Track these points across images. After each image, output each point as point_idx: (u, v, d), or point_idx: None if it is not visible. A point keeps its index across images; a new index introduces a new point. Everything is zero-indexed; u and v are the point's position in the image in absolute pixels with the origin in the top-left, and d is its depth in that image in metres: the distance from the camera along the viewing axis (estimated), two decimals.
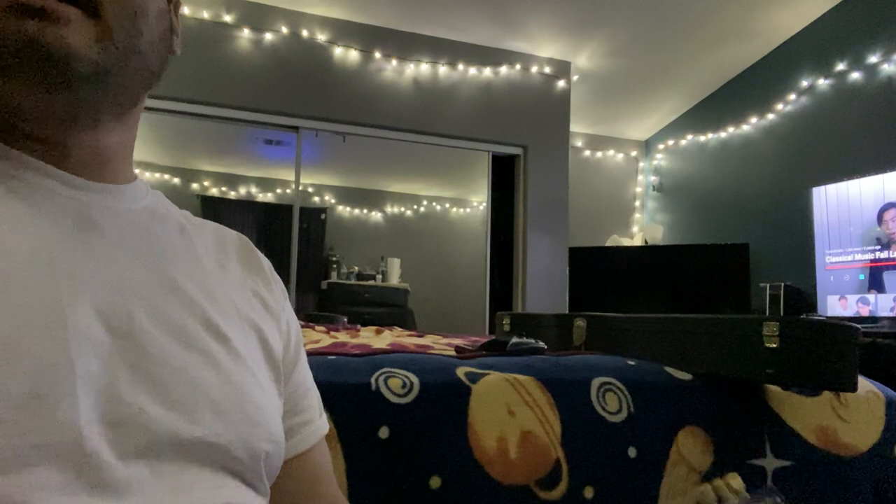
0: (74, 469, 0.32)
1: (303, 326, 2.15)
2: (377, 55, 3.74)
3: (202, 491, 0.38)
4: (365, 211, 4.53)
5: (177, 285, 0.43)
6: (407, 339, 1.67)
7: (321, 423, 0.56)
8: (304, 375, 0.56)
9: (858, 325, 0.93)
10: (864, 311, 3.13)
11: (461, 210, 4.65)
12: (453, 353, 1.12)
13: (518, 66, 4.02)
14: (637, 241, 4.72)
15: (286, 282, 3.55)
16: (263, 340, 0.49)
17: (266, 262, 0.56)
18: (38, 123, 0.40)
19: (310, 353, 0.94)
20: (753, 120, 4.05)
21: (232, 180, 4.18)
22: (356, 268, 4.38)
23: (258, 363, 0.47)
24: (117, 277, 0.39)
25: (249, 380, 0.44)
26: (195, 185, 4.03)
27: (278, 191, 4.21)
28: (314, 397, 0.57)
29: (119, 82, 0.41)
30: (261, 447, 0.43)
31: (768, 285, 3.66)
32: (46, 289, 0.35)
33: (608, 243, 4.64)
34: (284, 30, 3.55)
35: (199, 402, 0.39)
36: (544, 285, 4.00)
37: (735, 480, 0.51)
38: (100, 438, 0.34)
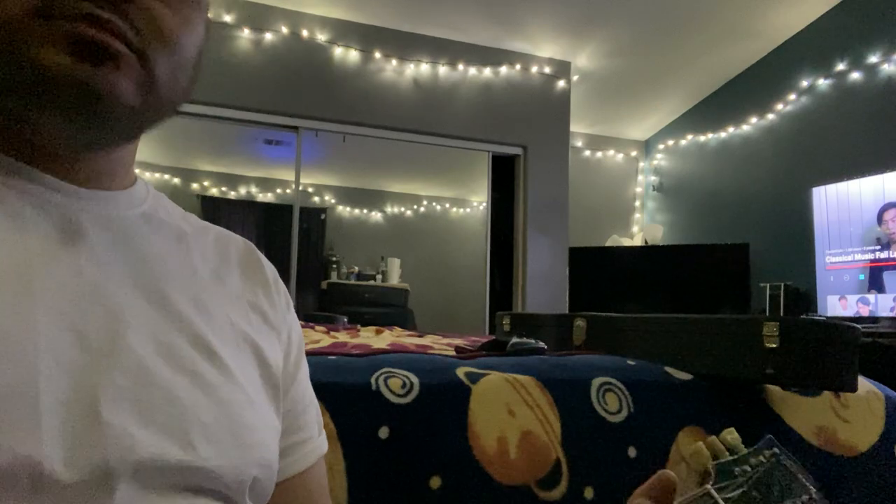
0: (30, 496, 0.31)
1: (303, 326, 2.15)
2: (377, 55, 3.74)
3: None
4: (365, 211, 4.53)
5: (167, 300, 0.41)
6: (407, 339, 1.67)
7: (320, 442, 0.53)
8: (304, 390, 0.53)
9: (858, 325, 0.93)
10: (864, 311, 3.13)
11: (461, 210, 4.65)
12: (453, 353, 1.12)
13: (518, 66, 4.02)
14: (637, 241, 4.72)
15: (286, 282, 3.54)
16: (260, 357, 0.46)
17: (271, 272, 0.54)
18: (56, 145, 0.39)
19: (310, 353, 0.94)
20: (753, 120, 4.05)
21: (232, 180, 4.17)
22: (356, 268, 4.38)
23: (253, 382, 0.45)
24: (102, 292, 0.38)
25: (242, 400, 0.42)
26: (195, 185, 4.03)
27: (278, 191, 4.21)
28: (313, 413, 0.54)
29: (147, 124, 0.42)
30: (249, 472, 0.41)
31: (768, 285, 3.66)
32: (20, 306, 0.34)
33: (608, 243, 4.64)
34: (284, 30, 3.55)
35: (188, 424, 0.37)
36: (544, 285, 4.00)
37: (731, 435, 0.50)
38: (63, 464, 0.32)
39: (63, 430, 0.32)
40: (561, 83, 4.10)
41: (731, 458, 0.48)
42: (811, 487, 0.48)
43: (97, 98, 0.36)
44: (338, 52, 3.66)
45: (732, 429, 0.49)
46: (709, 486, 0.45)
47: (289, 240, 3.62)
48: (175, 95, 0.42)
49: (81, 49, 0.35)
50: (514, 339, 1.12)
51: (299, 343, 0.54)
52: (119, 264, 0.40)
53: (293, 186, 3.71)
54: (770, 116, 3.94)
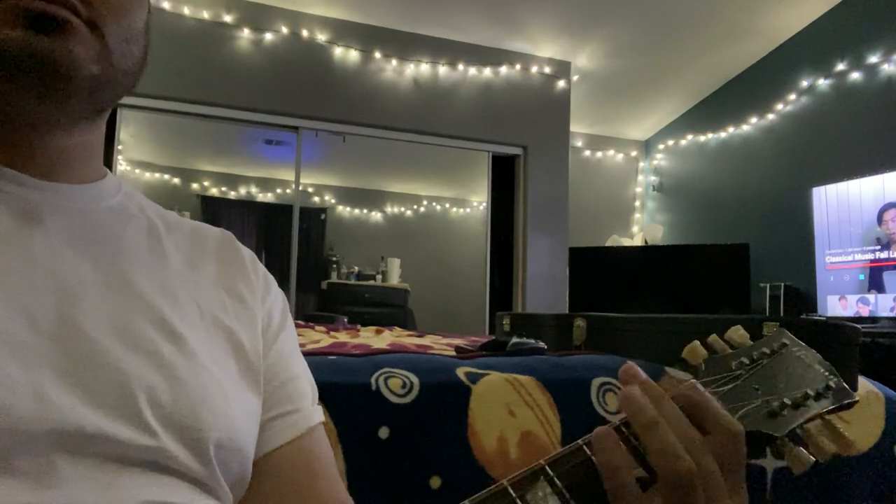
0: None
1: (303, 326, 2.15)
2: (377, 55, 3.74)
3: (136, 492, 0.36)
4: (365, 211, 4.53)
5: (129, 284, 0.42)
6: (407, 339, 1.67)
7: (310, 413, 0.51)
8: (285, 363, 0.51)
9: (858, 326, 0.93)
10: (864, 311, 3.13)
11: (461, 210, 4.65)
12: (453, 353, 1.12)
13: (518, 66, 4.02)
14: (637, 241, 4.72)
15: (286, 282, 3.55)
16: (235, 342, 0.46)
17: (248, 255, 0.54)
18: (14, 126, 0.40)
19: (310, 353, 0.94)
20: (753, 120, 4.05)
21: (232, 180, 4.18)
22: (356, 268, 4.38)
23: (226, 366, 0.45)
24: (56, 276, 0.38)
25: (206, 382, 0.42)
26: (195, 185, 4.03)
27: (278, 191, 4.22)
28: (301, 386, 0.52)
29: (107, 97, 0.43)
30: (208, 453, 0.40)
31: (768, 285, 3.66)
32: None
33: (608, 243, 4.64)
34: (284, 30, 3.55)
35: (140, 405, 0.37)
36: (544, 285, 4.00)
37: (737, 333, 0.46)
38: (8, 441, 0.32)
39: (9, 409, 0.33)
40: (561, 83, 4.10)
41: (728, 352, 0.44)
42: (831, 376, 0.44)
43: (57, 67, 0.37)
44: (338, 52, 3.66)
45: (740, 326, 0.45)
46: (694, 380, 0.42)
47: (289, 240, 3.62)
48: (129, 66, 0.43)
49: (35, 22, 0.36)
50: (514, 339, 1.12)
51: (281, 318, 0.53)
52: (77, 250, 0.41)
53: (293, 186, 3.71)
54: (770, 116, 3.94)
